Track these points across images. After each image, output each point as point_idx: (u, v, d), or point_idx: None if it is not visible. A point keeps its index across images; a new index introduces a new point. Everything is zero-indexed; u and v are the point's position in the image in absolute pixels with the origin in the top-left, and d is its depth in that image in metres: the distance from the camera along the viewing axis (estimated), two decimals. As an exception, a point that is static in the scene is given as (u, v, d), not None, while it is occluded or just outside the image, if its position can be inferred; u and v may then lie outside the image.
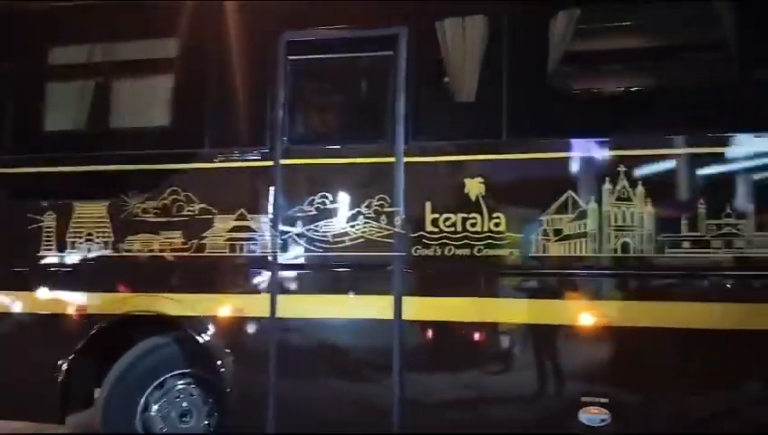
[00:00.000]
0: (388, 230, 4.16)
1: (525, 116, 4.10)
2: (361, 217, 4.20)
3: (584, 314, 3.96)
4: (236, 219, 4.35)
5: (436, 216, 4.10)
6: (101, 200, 4.55)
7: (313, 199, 4.27)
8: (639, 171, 3.89)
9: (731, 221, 3.76)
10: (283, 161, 4.33)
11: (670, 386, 3.84)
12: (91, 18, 4.77)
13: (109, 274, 4.54)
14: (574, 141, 4.02)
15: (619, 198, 3.89)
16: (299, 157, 4.36)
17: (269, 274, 4.32)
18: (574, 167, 4.02)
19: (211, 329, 4.37)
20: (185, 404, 4.52)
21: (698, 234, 3.79)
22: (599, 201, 3.92)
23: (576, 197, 3.95)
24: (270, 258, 4.30)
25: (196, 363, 4.48)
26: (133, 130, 4.78)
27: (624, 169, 3.89)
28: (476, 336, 4.12)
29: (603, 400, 3.87)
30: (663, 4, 4.19)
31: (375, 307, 4.17)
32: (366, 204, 4.20)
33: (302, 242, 4.28)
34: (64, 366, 4.44)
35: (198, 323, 4.37)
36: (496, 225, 4.03)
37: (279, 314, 4.27)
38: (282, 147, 4.34)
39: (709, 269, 3.81)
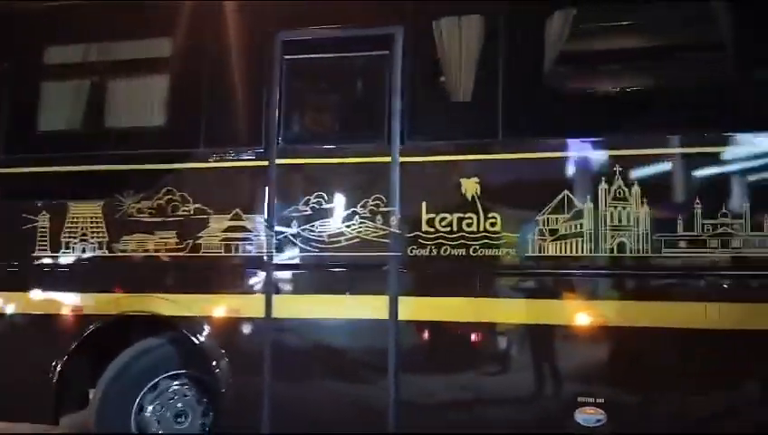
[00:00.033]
0: (384, 230, 4.15)
1: (521, 116, 4.10)
2: (357, 216, 4.19)
3: (580, 314, 3.95)
4: (232, 219, 4.34)
5: (432, 215, 4.09)
6: (96, 200, 4.53)
7: (309, 199, 4.26)
8: (635, 171, 3.89)
9: (727, 221, 3.76)
10: (278, 161, 4.32)
11: (666, 386, 3.84)
12: (86, 18, 4.76)
13: (103, 274, 4.53)
14: (570, 141, 4.03)
15: (615, 198, 3.89)
16: (294, 156, 4.35)
17: (264, 274, 4.31)
18: (570, 167, 4.02)
19: (206, 329, 4.36)
20: (180, 405, 4.51)
21: (694, 234, 3.79)
22: (595, 201, 3.92)
23: (572, 196, 3.95)
24: (265, 258, 4.29)
25: (192, 364, 4.47)
26: (128, 129, 4.76)
27: (620, 168, 3.89)
28: (472, 336, 4.11)
29: (599, 400, 3.87)
30: (660, 3, 4.19)
31: (371, 307, 4.16)
32: (362, 204, 4.19)
33: (297, 242, 4.27)
34: (59, 367, 4.43)
35: (193, 324, 4.36)
36: (492, 225, 4.02)
37: (274, 314, 4.26)
38: (277, 146, 4.34)
39: (705, 269, 3.81)
